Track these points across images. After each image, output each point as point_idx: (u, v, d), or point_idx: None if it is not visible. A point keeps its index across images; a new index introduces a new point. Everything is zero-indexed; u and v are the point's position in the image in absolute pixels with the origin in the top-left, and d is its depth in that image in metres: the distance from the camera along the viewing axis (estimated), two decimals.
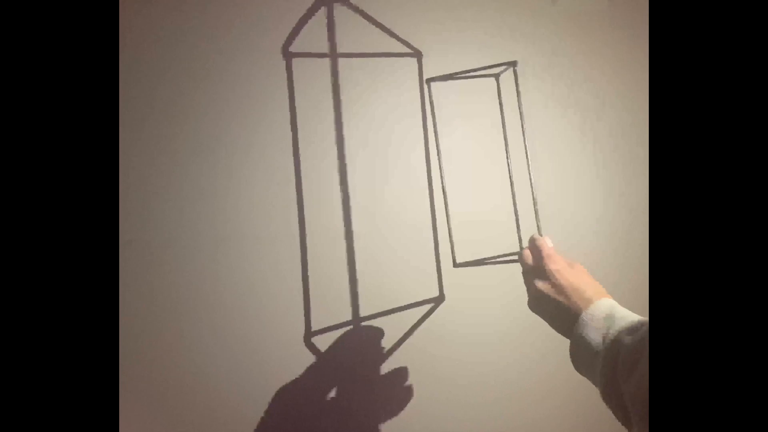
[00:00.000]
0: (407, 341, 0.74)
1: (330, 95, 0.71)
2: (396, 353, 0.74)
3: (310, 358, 0.73)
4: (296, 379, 0.73)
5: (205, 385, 0.72)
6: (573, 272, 0.50)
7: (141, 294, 0.69)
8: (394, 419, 0.75)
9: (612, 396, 0.41)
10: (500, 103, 0.63)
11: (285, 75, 0.70)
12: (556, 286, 0.49)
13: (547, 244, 0.53)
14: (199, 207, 0.69)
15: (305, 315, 0.73)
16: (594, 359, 0.43)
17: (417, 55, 0.72)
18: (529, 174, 0.61)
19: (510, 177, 0.69)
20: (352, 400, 0.75)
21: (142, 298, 0.69)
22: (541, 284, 0.50)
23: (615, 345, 0.41)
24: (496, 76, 0.62)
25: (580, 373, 0.46)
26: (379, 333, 0.74)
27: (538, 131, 0.76)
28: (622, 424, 0.41)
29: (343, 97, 0.71)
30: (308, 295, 0.72)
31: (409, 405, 0.75)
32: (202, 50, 0.68)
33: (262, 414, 0.74)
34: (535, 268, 0.52)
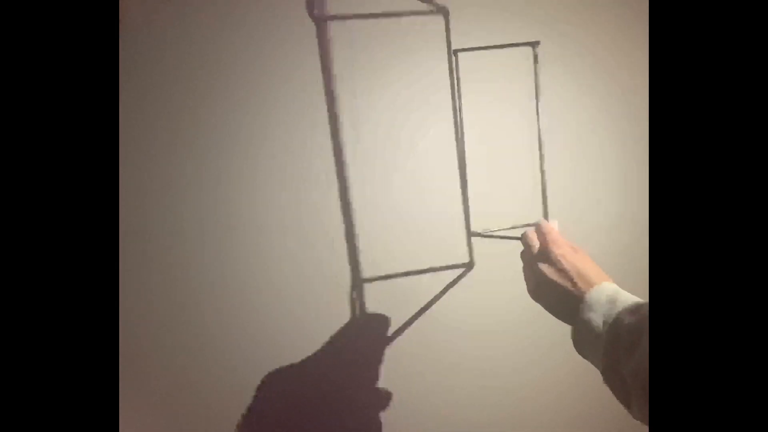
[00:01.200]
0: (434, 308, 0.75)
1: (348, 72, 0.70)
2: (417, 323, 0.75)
3: (313, 354, 0.74)
4: (300, 373, 0.74)
5: (205, 384, 0.72)
6: (577, 257, 0.50)
7: (141, 292, 0.69)
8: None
9: (613, 377, 0.42)
10: (536, 75, 0.61)
11: (285, 73, 0.70)
12: (562, 271, 0.49)
13: (553, 228, 0.53)
14: (201, 198, 0.69)
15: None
16: (596, 341, 0.43)
17: (443, 11, 0.70)
18: (541, 154, 0.59)
19: (540, 150, 0.66)
20: (359, 393, 0.75)
21: (142, 296, 0.69)
22: (546, 269, 0.50)
23: (616, 325, 0.42)
24: (534, 45, 0.60)
25: (582, 356, 0.47)
26: (384, 323, 0.74)
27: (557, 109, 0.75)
28: (623, 405, 0.42)
29: (366, 63, 0.70)
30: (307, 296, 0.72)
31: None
32: (202, 49, 0.68)
33: (265, 412, 0.74)
34: (539, 253, 0.52)
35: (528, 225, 0.63)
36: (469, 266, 0.74)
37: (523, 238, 0.57)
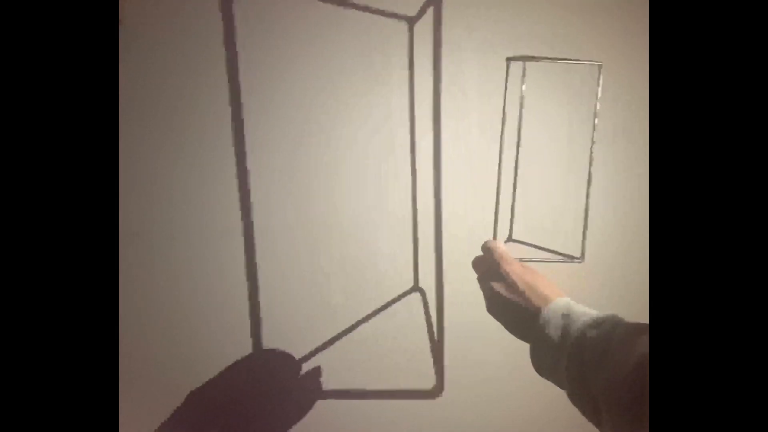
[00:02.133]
0: None
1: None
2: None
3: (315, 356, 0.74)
4: (300, 378, 0.74)
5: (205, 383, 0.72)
6: (527, 272, 0.50)
7: (141, 290, 0.69)
8: None
9: (580, 396, 0.41)
10: (597, 96, 0.60)
11: (286, 73, 0.70)
12: (511, 286, 0.49)
13: (499, 246, 0.53)
14: (201, 199, 0.69)
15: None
16: (557, 358, 0.43)
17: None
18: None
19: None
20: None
21: (142, 295, 0.69)
22: (496, 285, 0.50)
23: (579, 341, 0.41)
24: (599, 66, 0.59)
25: (542, 375, 0.46)
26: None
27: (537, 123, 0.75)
28: (592, 423, 0.41)
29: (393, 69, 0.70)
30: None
31: None
32: (202, 48, 0.68)
33: (266, 412, 0.74)
34: (490, 270, 0.52)
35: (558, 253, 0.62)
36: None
37: (483, 247, 0.56)
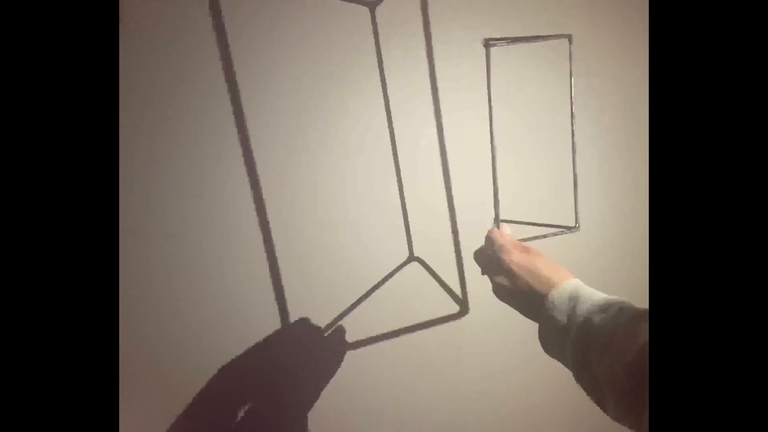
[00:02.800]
0: None
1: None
2: None
3: (316, 354, 0.74)
4: (302, 376, 0.74)
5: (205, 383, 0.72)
6: (528, 258, 0.49)
7: (141, 290, 0.69)
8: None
9: (585, 377, 0.41)
10: (570, 72, 0.59)
11: (286, 72, 0.69)
12: (513, 277, 0.49)
13: (497, 236, 0.53)
14: (201, 197, 0.69)
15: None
16: (563, 340, 0.43)
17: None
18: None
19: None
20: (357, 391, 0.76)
21: (142, 295, 0.69)
22: (498, 278, 0.50)
23: (585, 325, 0.41)
24: (570, 38, 0.58)
25: (550, 354, 0.46)
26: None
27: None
28: (597, 405, 0.41)
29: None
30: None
31: None
32: (202, 48, 0.67)
33: (266, 411, 0.74)
34: (493, 263, 0.52)
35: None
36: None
37: (474, 255, 0.57)
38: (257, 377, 0.73)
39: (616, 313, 0.40)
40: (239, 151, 0.69)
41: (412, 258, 0.76)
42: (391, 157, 0.74)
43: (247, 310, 0.72)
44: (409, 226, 0.75)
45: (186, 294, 0.70)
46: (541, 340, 0.46)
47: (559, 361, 0.45)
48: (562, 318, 0.43)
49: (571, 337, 0.42)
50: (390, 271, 0.75)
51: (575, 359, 0.42)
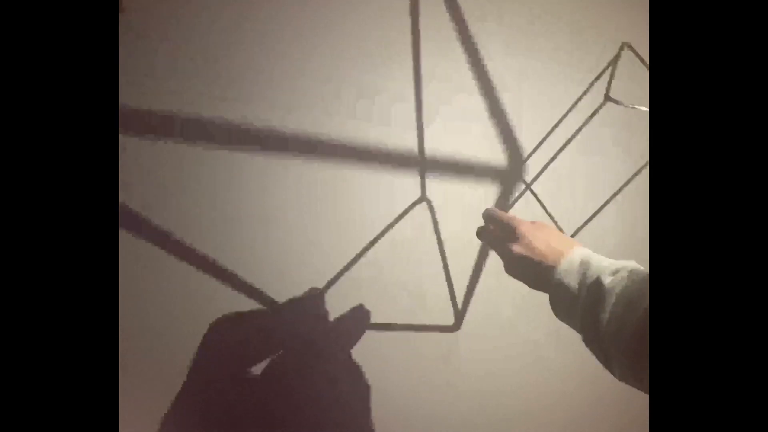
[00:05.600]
0: None
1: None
2: None
3: (316, 353, 0.73)
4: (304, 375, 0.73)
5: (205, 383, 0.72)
6: (538, 226, 0.51)
7: (141, 290, 0.69)
8: None
9: (593, 340, 0.42)
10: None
11: (286, 70, 0.70)
12: (529, 246, 0.49)
13: (499, 211, 0.55)
14: (201, 197, 0.70)
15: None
16: (573, 304, 0.44)
17: None
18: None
19: None
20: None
21: (142, 294, 0.69)
22: (515, 247, 0.50)
23: (594, 287, 0.42)
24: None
25: (561, 319, 0.47)
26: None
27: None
28: (605, 367, 0.42)
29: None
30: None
31: None
32: (202, 46, 0.68)
33: (265, 411, 0.74)
34: (504, 233, 0.53)
35: None
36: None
37: (485, 215, 0.58)
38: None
39: (625, 276, 0.41)
40: (243, 147, 0.69)
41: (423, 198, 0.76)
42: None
43: (245, 308, 0.72)
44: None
45: (186, 294, 0.70)
46: (552, 306, 0.47)
47: (568, 325, 0.47)
48: (573, 283, 0.44)
49: (580, 300, 0.43)
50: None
51: (584, 322, 0.43)
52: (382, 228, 0.75)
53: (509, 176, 0.77)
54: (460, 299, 0.77)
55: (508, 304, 0.78)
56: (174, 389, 0.71)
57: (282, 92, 0.70)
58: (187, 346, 0.71)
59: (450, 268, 0.76)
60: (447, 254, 0.76)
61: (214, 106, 0.68)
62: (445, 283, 0.77)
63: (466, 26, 0.75)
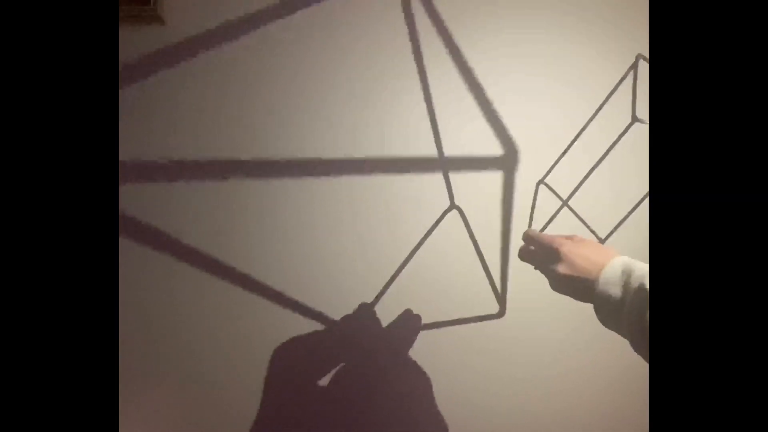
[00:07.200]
0: None
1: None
2: None
3: (316, 354, 0.75)
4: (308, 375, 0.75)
5: (205, 383, 0.74)
6: (578, 244, 0.53)
7: (141, 290, 0.70)
8: None
9: (641, 345, 0.42)
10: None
11: (286, 69, 0.71)
12: (572, 265, 0.51)
13: (538, 233, 0.57)
14: (201, 196, 0.70)
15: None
16: (617, 311, 0.45)
17: None
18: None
19: None
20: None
21: (142, 294, 0.71)
22: (559, 267, 0.52)
23: (639, 293, 0.43)
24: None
25: (609, 328, 0.48)
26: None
27: None
28: None
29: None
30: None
31: None
32: (202, 45, 0.69)
33: (268, 412, 0.75)
34: (545, 256, 0.55)
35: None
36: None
37: (525, 237, 0.59)
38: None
39: None
40: (245, 147, 0.70)
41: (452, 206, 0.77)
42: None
43: (246, 307, 0.73)
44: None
45: (186, 293, 0.70)
46: (598, 315, 0.49)
47: (617, 333, 0.47)
48: (617, 292, 0.45)
49: (626, 307, 0.44)
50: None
51: (632, 328, 0.43)
52: (416, 236, 0.76)
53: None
54: (499, 287, 0.80)
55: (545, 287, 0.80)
56: (174, 389, 0.72)
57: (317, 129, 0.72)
58: (187, 346, 0.72)
59: (486, 260, 0.79)
60: (481, 247, 0.79)
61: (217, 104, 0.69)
62: (483, 275, 0.80)
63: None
